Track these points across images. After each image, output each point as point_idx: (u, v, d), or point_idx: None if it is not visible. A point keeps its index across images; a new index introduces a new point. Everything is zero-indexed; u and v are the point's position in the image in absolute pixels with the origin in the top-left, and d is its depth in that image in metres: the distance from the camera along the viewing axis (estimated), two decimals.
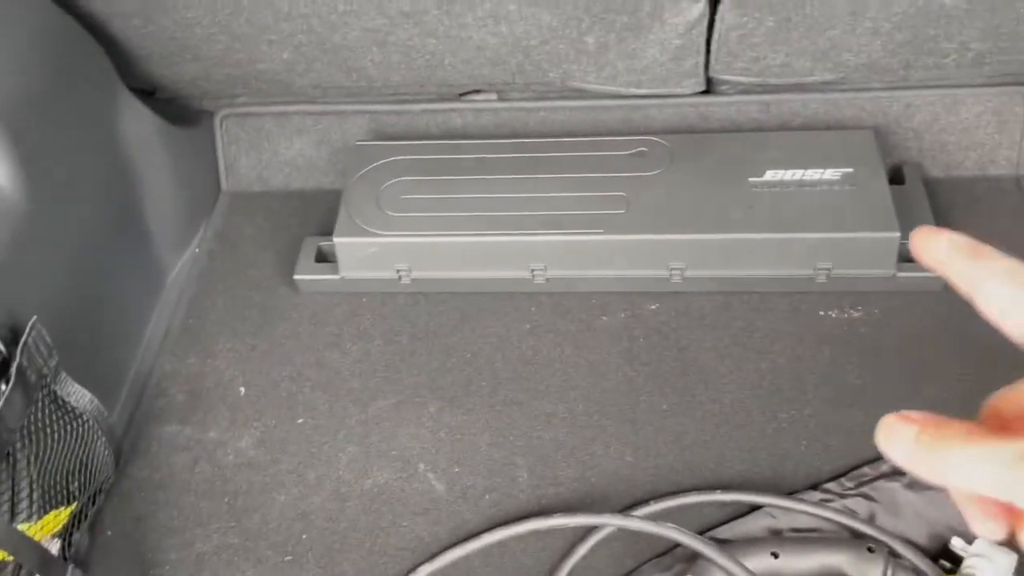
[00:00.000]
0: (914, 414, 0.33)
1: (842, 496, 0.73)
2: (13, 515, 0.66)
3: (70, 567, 0.69)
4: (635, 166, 0.91)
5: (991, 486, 0.30)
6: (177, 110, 1.01)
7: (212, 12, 0.82)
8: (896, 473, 0.73)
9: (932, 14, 0.79)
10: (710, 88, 0.95)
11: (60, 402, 0.70)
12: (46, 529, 0.69)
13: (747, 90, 0.95)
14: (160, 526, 0.78)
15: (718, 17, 0.82)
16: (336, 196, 0.94)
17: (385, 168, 0.94)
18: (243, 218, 1.02)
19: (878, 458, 0.75)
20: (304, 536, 0.76)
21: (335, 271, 0.91)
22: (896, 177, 0.94)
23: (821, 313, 0.86)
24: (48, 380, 0.69)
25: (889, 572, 0.67)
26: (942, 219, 0.91)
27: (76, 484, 0.73)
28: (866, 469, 0.74)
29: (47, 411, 0.69)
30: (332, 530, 0.76)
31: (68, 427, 0.71)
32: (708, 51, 0.86)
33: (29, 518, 0.67)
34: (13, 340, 0.67)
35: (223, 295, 0.95)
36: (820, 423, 0.79)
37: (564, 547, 0.73)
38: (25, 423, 0.66)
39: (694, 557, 0.70)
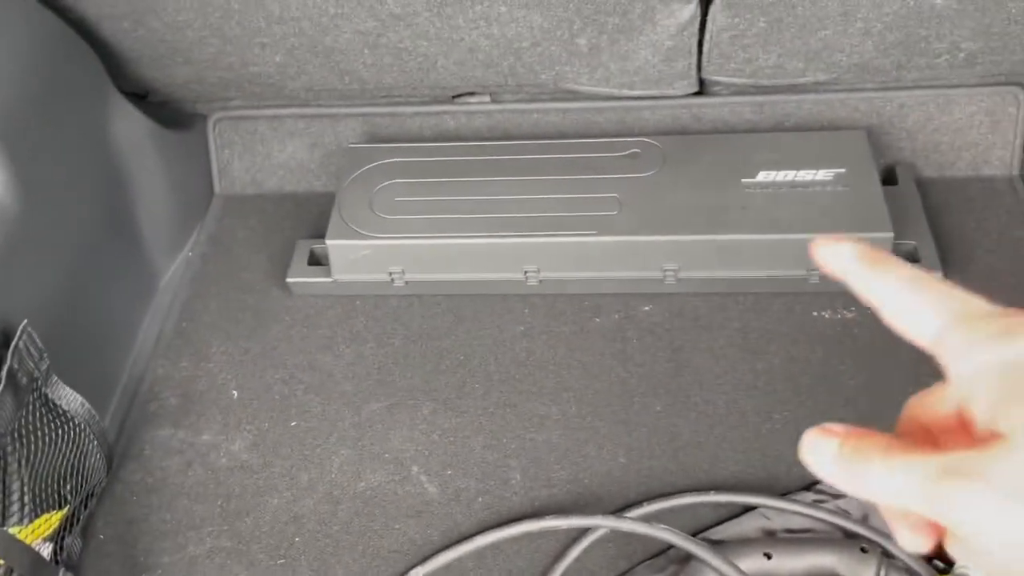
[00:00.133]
0: (836, 427, 0.32)
1: (835, 496, 0.73)
2: (4, 519, 0.66)
3: (62, 571, 0.68)
4: (628, 167, 0.91)
5: (912, 501, 0.29)
6: (170, 113, 1.01)
7: (203, 15, 0.82)
8: None
9: (923, 14, 0.79)
10: (703, 89, 0.95)
11: (51, 405, 0.70)
12: (37, 533, 0.69)
13: (740, 91, 0.95)
14: (153, 529, 0.77)
15: (709, 18, 0.82)
16: (329, 199, 0.94)
17: (378, 171, 0.94)
18: (236, 221, 1.02)
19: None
20: (297, 539, 0.76)
21: (328, 274, 0.91)
22: (889, 177, 0.95)
23: (815, 314, 0.86)
24: (39, 384, 0.69)
25: (882, 572, 0.67)
26: (935, 219, 0.91)
27: (68, 488, 0.72)
28: None
29: (38, 414, 0.69)
30: (325, 533, 0.76)
31: (59, 430, 0.71)
32: (700, 52, 0.87)
33: (20, 522, 0.67)
34: (4, 343, 0.67)
35: (216, 298, 0.95)
36: (813, 423, 0.78)
37: (557, 549, 0.73)
38: (16, 427, 0.66)
39: (687, 558, 0.70)
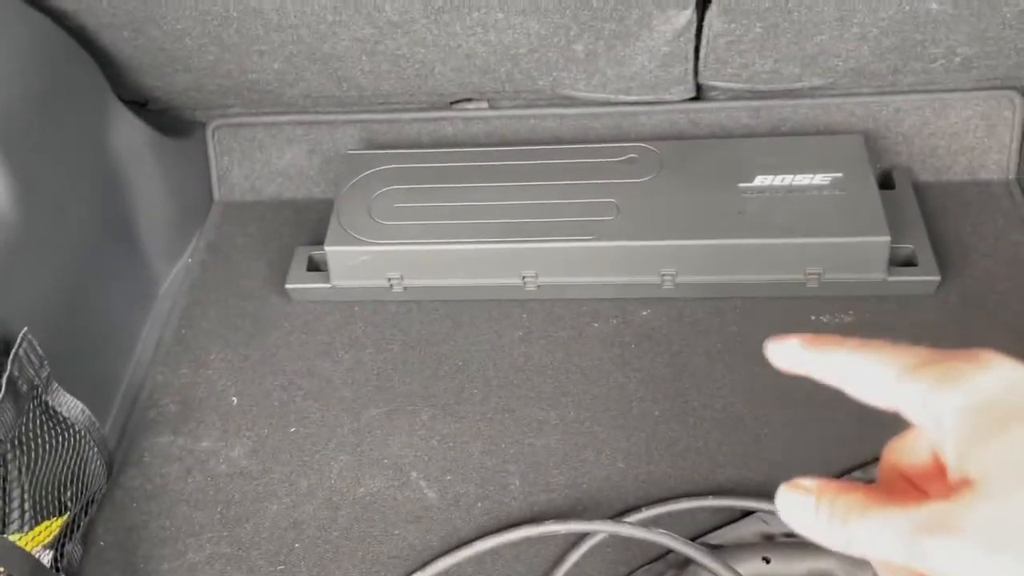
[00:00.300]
0: (807, 482, 0.33)
1: None
2: (4, 526, 0.66)
3: None
4: (625, 173, 0.91)
5: (892, 556, 0.30)
6: (169, 121, 1.01)
7: (202, 24, 0.83)
8: None
9: (919, 19, 0.80)
10: (700, 94, 0.95)
11: (52, 412, 0.70)
12: (37, 540, 0.69)
13: (737, 96, 0.95)
14: (152, 536, 0.77)
15: (706, 24, 0.82)
16: (328, 205, 0.94)
17: (376, 177, 0.94)
18: (235, 228, 1.03)
19: (869, 462, 0.75)
20: (296, 545, 0.76)
21: (327, 280, 0.91)
22: (886, 182, 0.95)
23: (812, 318, 0.86)
24: (39, 391, 0.69)
25: None
26: (932, 223, 0.91)
27: (68, 494, 0.73)
28: (857, 474, 0.74)
29: (38, 422, 0.69)
30: (324, 539, 0.76)
31: (60, 437, 0.71)
32: (697, 58, 0.87)
33: (20, 529, 0.68)
34: (4, 351, 0.67)
35: (215, 305, 0.95)
36: (812, 428, 0.79)
37: (556, 554, 0.73)
38: (16, 434, 0.66)
39: (686, 563, 0.70)
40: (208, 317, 0.94)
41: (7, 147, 0.74)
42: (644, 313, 0.89)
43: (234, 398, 0.86)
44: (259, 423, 0.84)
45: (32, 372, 0.68)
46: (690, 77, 0.90)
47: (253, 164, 1.05)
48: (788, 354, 0.35)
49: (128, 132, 0.92)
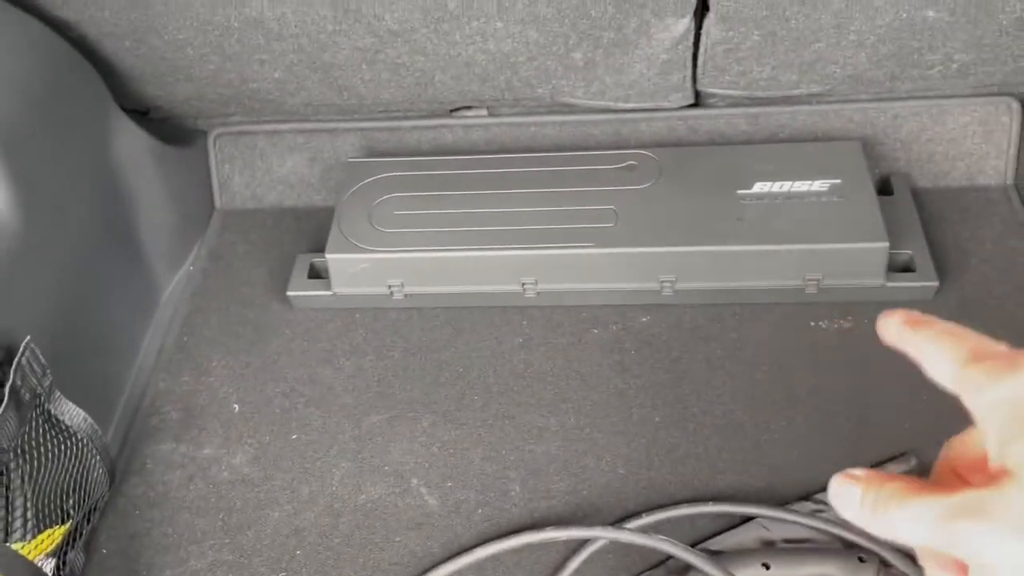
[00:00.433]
0: (857, 472, 0.35)
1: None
2: (7, 534, 0.66)
3: None
4: (625, 180, 0.92)
5: (930, 541, 0.31)
6: (171, 129, 1.02)
7: (203, 33, 0.83)
8: None
9: (916, 26, 0.80)
10: (698, 101, 0.96)
11: (54, 421, 0.71)
12: (40, 548, 0.69)
13: (735, 103, 0.96)
14: (155, 543, 0.78)
15: (704, 32, 0.83)
16: (329, 213, 0.94)
17: (377, 184, 0.95)
18: (236, 235, 1.03)
19: (870, 468, 0.75)
20: (298, 552, 0.76)
21: (328, 287, 0.92)
22: (884, 188, 0.95)
23: (812, 324, 0.87)
24: (42, 399, 0.69)
25: None
26: (931, 229, 0.92)
27: (71, 503, 0.73)
28: None
29: (41, 430, 0.69)
30: (326, 546, 0.76)
31: (62, 446, 0.72)
32: (695, 65, 0.87)
33: (23, 537, 0.68)
34: (7, 359, 0.67)
35: (217, 312, 0.95)
36: (812, 433, 0.79)
37: (557, 560, 0.73)
38: (19, 442, 0.67)
39: (686, 569, 0.70)
40: (210, 324, 0.94)
41: (9, 156, 0.74)
42: (644, 319, 0.89)
43: (236, 405, 0.87)
44: (261, 430, 0.85)
45: (35, 381, 0.68)
46: (688, 84, 0.90)
47: (254, 172, 1.05)
48: (891, 329, 0.37)
49: (130, 141, 0.93)
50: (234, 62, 0.87)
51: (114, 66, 0.90)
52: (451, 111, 1.00)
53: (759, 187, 0.89)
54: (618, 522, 0.74)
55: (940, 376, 0.35)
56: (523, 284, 0.89)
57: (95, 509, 0.77)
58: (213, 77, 0.90)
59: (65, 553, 0.72)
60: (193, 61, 0.88)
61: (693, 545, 0.71)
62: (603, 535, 0.72)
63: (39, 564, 0.67)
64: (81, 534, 0.75)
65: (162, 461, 0.83)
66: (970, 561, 0.30)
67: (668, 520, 0.74)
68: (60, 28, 0.83)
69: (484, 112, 1.00)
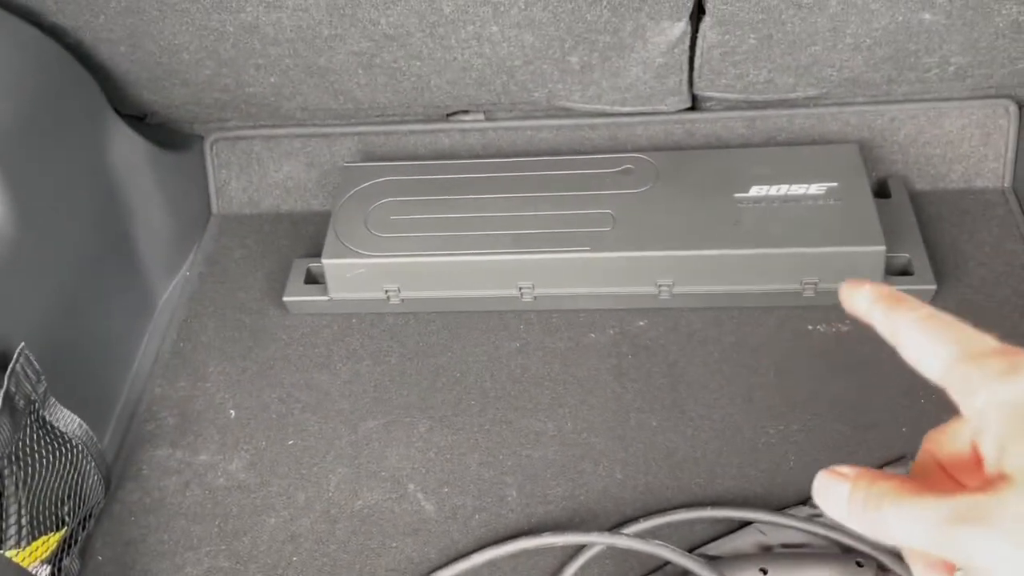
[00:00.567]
0: (846, 469, 0.33)
1: None
2: (2, 542, 0.66)
3: None
4: (622, 183, 0.92)
5: (924, 544, 0.30)
6: (167, 134, 1.01)
7: (198, 38, 0.83)
8: None
9: (912, 29, 0.80)
10: (695, 105, 0.95)
11: (49, 428, 0.71)
12: (35, 555, 0.69)
13: (732, 106, 0.96)
14: (151, 550, 0.77)
15: (700, 35, 0.83)
16: (325, 217, 0.94)
17: (373, 189, 0.95)
18: (233, 241, 1.03)
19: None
20: (294, 558, 0.76)
21: (324, 292, 0.92)
22: (882, 191, 0.95)
23: (809, 327, 0.87)
24: (36, 406, 0.69)
25: None
26: (928, 232, 0.91)
27: (66, 509, 0.73)
28: None
29: (35, 437, 0.69)
30: (322, 552, 0.76)
31: (57, 452, 0.71)
32: (691, 69, 0.87)
33: (18, 544, 0.67)
34: (1, 366, 0.67)
35: (213, 318, 0.95)
36: (809, 437, 0.79)
37: (554, 566, 0.73)
38: (13, 449, 0.66)
39: (684, 574, 0.70)
40: (206, 330, 0.94)
41: (4, 162, 0.74)
42: (641, 323, 0.89)
43: (232, 411, 0.87)
44: (257, 436, 0.84)
45: (29, 387, 0.68)
46: (685, 88, 0.90)
47: (251, 177, 1.05)
48: (859, 300, 0.35)
49: (126, 146, 0.92)
50: (230, 67, 0.87)
51: (110, 71, 0.90)
52: (447, 115, 1.00)
53: (756, 190, 0.89)
54: (615, 527, 0.74)
55: (926, 368, 0.33)
56: (520, 288, 0.89)
57: (90, 516, 0.77)
58: (209, 82, 0.90)
59: (60, 560, 0.72)
60: (189, 66, 0.88)
61: (690, 550, 0.71)
62: (600, 540, 0.72)
63: (34, 571, 0.67)
64: (76, 541, 0.75)
65: (158, 467, 0.83)
66: (963, 565, 0.30)
67: (665, 525, 0.73)
68: (55, 34, 0.83)
69: (481, 116, 0.99)
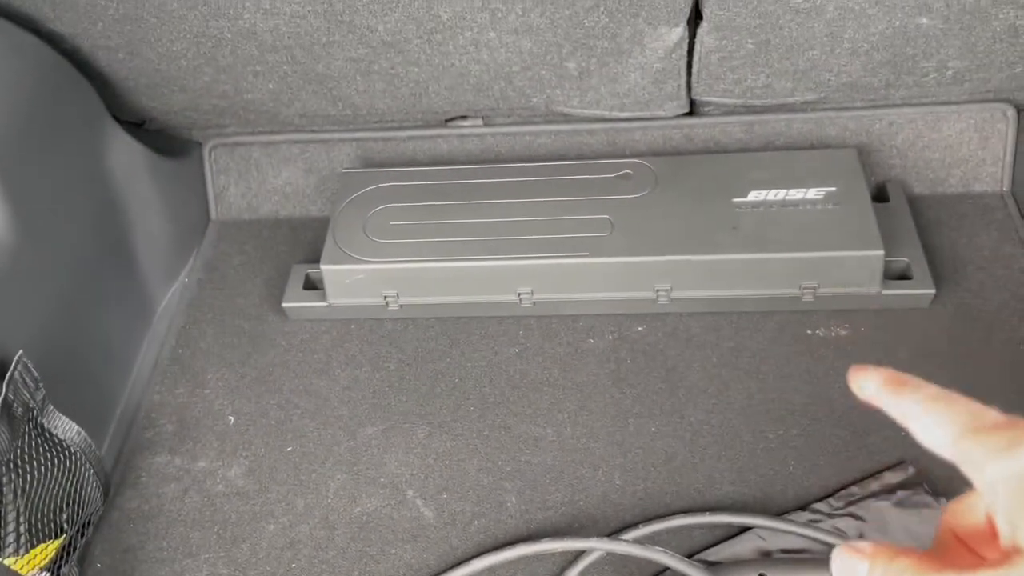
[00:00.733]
0: (863, 545, 0.34)
1: (831, 516, 0.73)
2: (0, 549, 0.66)
3: None
4: (620, 189, 0.92)
5: None
6: (166, 141, 1.02)
7: (196, 45, 0.83)
8: (884, 492, 0.73)
9: (909, 34, 0.80)
10: (693, 110, 0.95)
11: (47, 435, 0.71)
12: (33, 563, 0.69)
13: (730, 111, 0.96)
14: (149, 557, 0.77)
15: (698, 41, 0.83)
16: (324, 223, 0.94)
17: (372, 195, 0.95)
18: (232, 247, 1.03)
19: (866, 477, 0.75)
20: (293, 565, 0.76)
21: (323, 298, 0.92)
22: (881, 195, 0.95)
23: (808, 332, 0.87)
24: (35, 413, 0.69)
25: None
26: (927, 236, 0.91)
27: (64, 517, 0.72)
28: (854, 488, 0.74)
29: (34, 444, 0.69)
30: (321, 558, 0.76)
31: (55, 460, 0.71)
32: (689, 74, 0.87)
33: (16, 552, 0.67)
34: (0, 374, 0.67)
35: (212, 324, 0.95)
36: (808, 443, 0.79)
37: (553, 572, 0.73)
38: (11, 457, 0.66)
39: None
40: (205, 336, 0.94)
41: (3, 168, 0.74)
42: (639, 329, 0.89)
43: (231, 417, 0.87)
44: (256, 442, 0.84)
45: (27, 395, 0.68)
46: (683, 93, 0.90)
47: (249, 183, 1.05)
48: (868, 389, 0.37)
49: (124, 152, 0.92)
50: (228, 73, 0.87)
51: (108, 78, 0.90)
52: (446, 121, 1.00)
53: (755, 195, 0.89)
54: (614, 533, 0.74)
55: (935, 445, 0.34)
56: (519, 294, 0.89)
57: (89, 523, 0.77)
58: (207, 88, 0.90)
59: (59, 568, 0.72)
60: (187, 72, 0.88)
61: (690, 556, 0.71)
62: (599, 546, 0.72)
63: None
64: (75, 548, 0.74)
65: (157, 474, 0.83)
66: None
67: (665, 531, 0.73)
68: (53, 41, 0.83)
69: (479, 122, 1.00)
